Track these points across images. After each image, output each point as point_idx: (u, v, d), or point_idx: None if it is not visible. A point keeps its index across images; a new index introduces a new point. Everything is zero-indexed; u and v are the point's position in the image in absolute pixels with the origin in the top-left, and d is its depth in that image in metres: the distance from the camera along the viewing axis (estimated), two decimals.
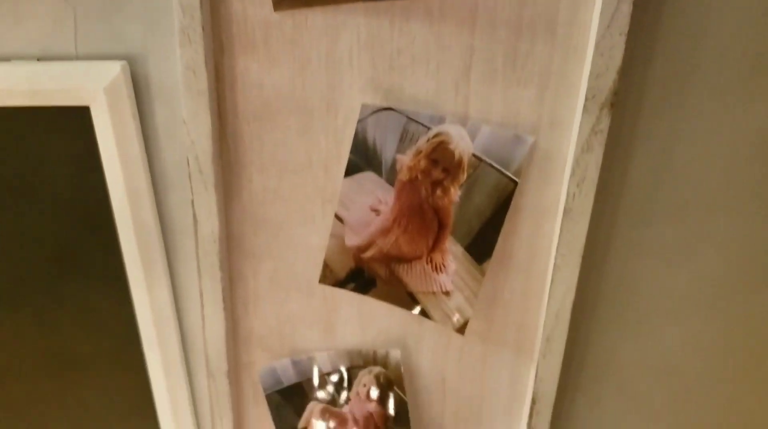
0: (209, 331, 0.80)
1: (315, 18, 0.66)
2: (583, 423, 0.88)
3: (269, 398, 0.85)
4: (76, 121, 0.72)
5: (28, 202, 0.77)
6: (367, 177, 0.72)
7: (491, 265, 0.75)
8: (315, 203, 0.75)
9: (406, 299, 0.78)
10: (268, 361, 0.84)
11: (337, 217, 0.75)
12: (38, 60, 0.71)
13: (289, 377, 0.85)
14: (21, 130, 0.73)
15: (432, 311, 0.78)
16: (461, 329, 0.78)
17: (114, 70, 0.69)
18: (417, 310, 0.77)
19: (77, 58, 0.71)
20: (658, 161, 0.71)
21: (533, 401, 0.82)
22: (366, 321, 0.81)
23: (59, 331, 0.85)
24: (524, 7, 0.64)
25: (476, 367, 0.83)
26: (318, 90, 0.69)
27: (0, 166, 0.75)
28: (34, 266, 0.81)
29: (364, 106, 0.68)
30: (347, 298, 0.80)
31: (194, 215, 0.74)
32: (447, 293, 0.76)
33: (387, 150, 0.70)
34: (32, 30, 0.70)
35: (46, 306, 0.83)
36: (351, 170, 0.72)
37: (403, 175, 0.71)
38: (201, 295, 0.78)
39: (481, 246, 0.74)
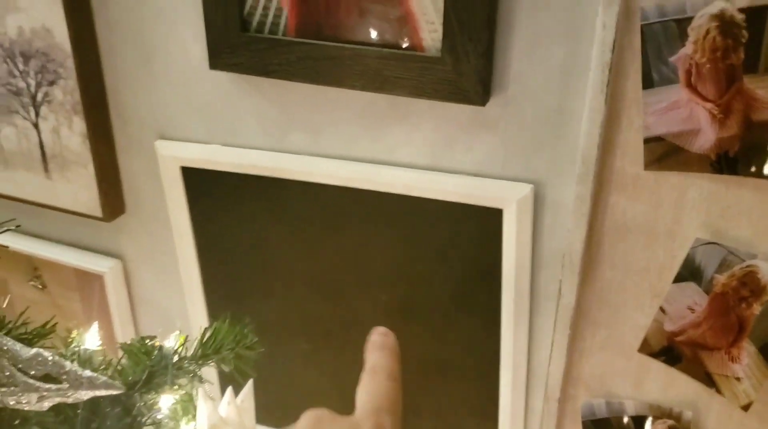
0: (552, 368, 1.15)
1: (671, 176, 0.97)
2: None
3: (584, 424, 1.18)
4: (490, 219, 1.11)
5: (444, 263, 1.18)
6: (689, 286, 1.01)
7: None
8: (647, 296, 1.06)
9: (704, 376, 1.05)
10: (589, 399, 1.17)
11: (661, 309, 1.05)
12: (474, 175, 1.11)
13: (602, 412, 1.16)
14: (452, 218, 1.14)
15: (723, 389, 1.04)
16: (746, 407, 1.03)
17: (525, 189, 1.07)
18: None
19: (501, 177, 1.10)
20: None
21: None
22: (669, 385, 1.10)
23: (441, 344, 1.26)
24: None
25: None
26: (663, 223, 1.00)
27: (430, 239, 1.17)
28: (439, 300, 1.22)
29: (696, 239, 0.98)
30: (657, 366, 1.09)
31: (560, 290, 1.09)
32: (738, 379, 1.02)
33: (708, 269, 0.99)
34: (478, 154, 1.10)
35: (439, 327, 1.25)
36: (678, 279, 1.02)
37: (717, 289, 0.99)
38: (552, 343, 1.13)
39: None
